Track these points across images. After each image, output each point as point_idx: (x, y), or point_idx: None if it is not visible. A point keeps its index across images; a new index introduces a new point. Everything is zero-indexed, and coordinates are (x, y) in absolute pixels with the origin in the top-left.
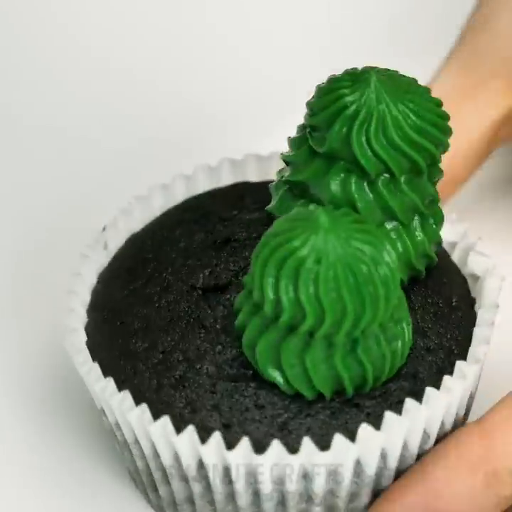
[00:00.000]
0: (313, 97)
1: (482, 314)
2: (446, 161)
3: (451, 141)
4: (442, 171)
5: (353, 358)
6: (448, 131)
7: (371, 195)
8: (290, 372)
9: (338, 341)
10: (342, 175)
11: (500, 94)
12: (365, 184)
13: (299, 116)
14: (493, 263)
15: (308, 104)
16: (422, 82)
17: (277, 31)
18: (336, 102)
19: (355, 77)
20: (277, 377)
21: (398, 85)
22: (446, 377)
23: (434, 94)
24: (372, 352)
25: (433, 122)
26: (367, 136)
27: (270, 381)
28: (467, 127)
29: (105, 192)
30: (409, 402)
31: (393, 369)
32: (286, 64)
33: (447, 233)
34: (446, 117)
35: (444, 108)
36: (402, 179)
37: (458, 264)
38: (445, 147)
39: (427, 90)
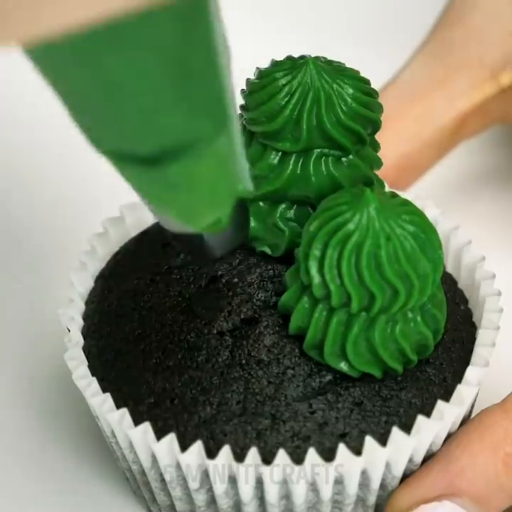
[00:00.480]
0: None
1: (482, 335)
2: (409, 148)
3: (416, 129)
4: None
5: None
6: (380, 108)
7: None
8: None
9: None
10: (322, 162)
11: (469, 87)
12: (343, 160)
13: None
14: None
15: (249, 119)
16: None
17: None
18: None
19: (292, 66)
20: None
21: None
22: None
23: (403, 81)
24: (429, 318)
25: (368, 96)
26: (336, 115)
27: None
28: (433, 116)
29: (105, 190)
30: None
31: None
32: None
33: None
34: (375, 92)
35: (413, 96)
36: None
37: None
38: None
39: (356, 71)
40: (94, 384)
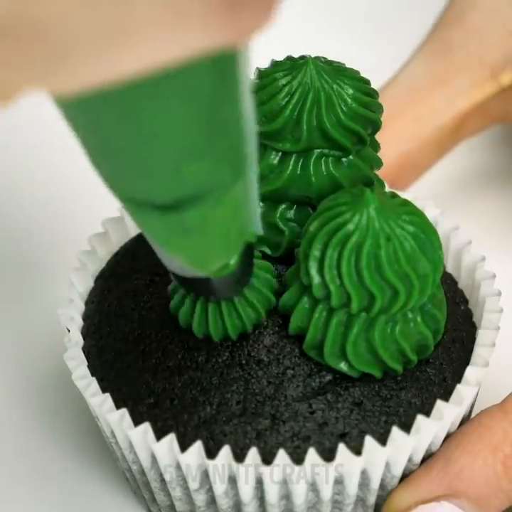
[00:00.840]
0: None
1: (482, 335)
2: (409, 147)
3: (416, 128)
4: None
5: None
6: (380, 108)
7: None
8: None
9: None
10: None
11: (470, 86)
12: (344, 160)
13: None
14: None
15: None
16: None
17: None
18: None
19: (292, 67)
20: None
21: (333, 69)
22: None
23: (403, 81)
24: (429, 319)
25: (368, 96)
26: (336, 115)
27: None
28: (434, 115)
29: (105, 190)
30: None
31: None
32: None
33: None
34: (376, 93)
35: (413, 95)
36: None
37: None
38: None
39: (356, 72)
40: (93, 384)
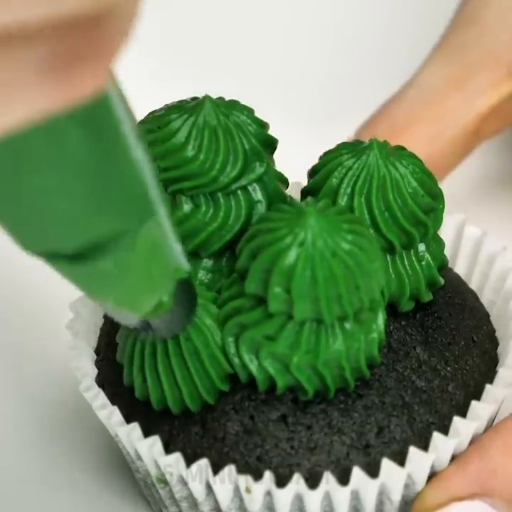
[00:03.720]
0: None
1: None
2: (430, 151)
3: (436, 130)
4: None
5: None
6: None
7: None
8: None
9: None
10: None
11: (488, 86)
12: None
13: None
14: None
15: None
16: None
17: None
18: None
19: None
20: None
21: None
22: (474, 403)
23: (420, 84)
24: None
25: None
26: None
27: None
28: (454, 118)
29: None
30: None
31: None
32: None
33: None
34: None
35: (431, 97)
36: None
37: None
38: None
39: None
40: (116, 412)
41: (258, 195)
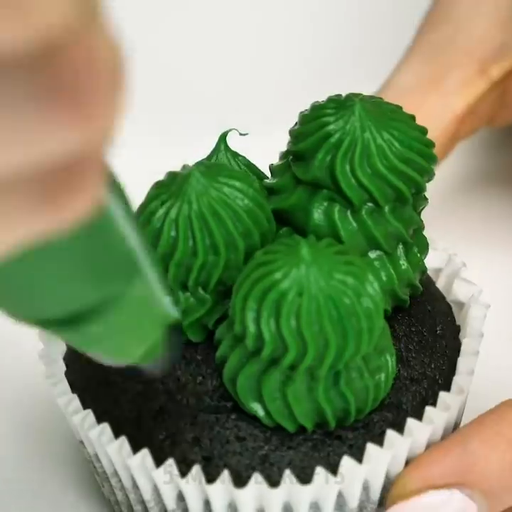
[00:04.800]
0: (296, 124)
1: (466, 344)
2: None
3: None
4: (427, 199)
5: (336, 391)
6: (433, 160)
7: (355, 225)
8: (271, 405)
9: (320, 374)
10: (325, 203)
11: (462, 85)
12: (349, 213)
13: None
14: (479, 290)
15: (291, 131)
16: None
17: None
18: (320, 130)
19: (339, 105)
20: (258, 410)
21: (383, 113)
22: (428, 409)
23: (395, 86)
24: (355, 384)
25: (418, 150)
26: (351, 165)
27: (251, 413)
28: (432, 118)
29: None
30: (391, 434)
31: (376, 401)
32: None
33: (432, 259)
34: (431, 145)
35: (407, 100)
36: (387, 208)
37: (443, 291)
38: (430, 176)
39: (411, 117)
40: (107, 430)
41: None
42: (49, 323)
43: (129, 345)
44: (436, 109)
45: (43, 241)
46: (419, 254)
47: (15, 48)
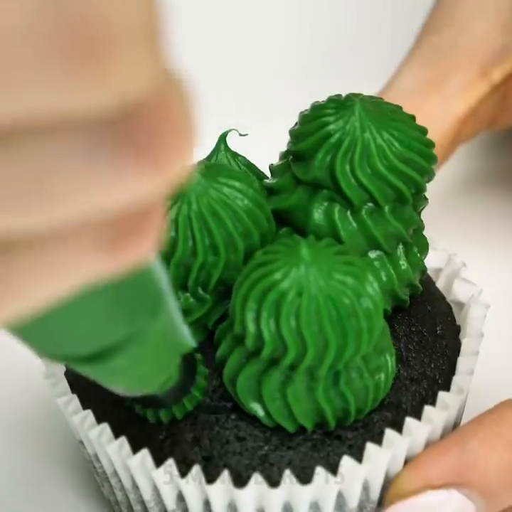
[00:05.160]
0: (296, 124)
1: (466, 343)
2: None
3: None
4: (427, 199)
5: (336, 391)
6: (433, 160)
7: (355, 224)
8: (271, 405)
9: (320, 374)
10: (325, 204)
11: (463, 88)
12: (349, 213)
13: (281, 142)
14: (479, 290)
15: (291, 131)
16: None
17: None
18: (320, 130)
19: (339, 105)
20: (258, 410)
21: (383, 113)
22: (427, 408)
23: (397, 89)
24: (355, 384)
25: (418, 150)
26: (351, 165)
27: (251, 413)
28: (433, 121)
29: None
30: (390, 433)
31: (376, 401)
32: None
33: (432, 259)
34: (431, 145)
35: (409, 102)
36: (387, 208)
37: (443, 291)
38: (430, 176)
39: (411, 117)
40: (107, 430)
41: None
42: (74, 360)
43: (150, 375)
44: (438, 111)
45: (91, 285)
46: (419, 254)
47: (97, 110)
